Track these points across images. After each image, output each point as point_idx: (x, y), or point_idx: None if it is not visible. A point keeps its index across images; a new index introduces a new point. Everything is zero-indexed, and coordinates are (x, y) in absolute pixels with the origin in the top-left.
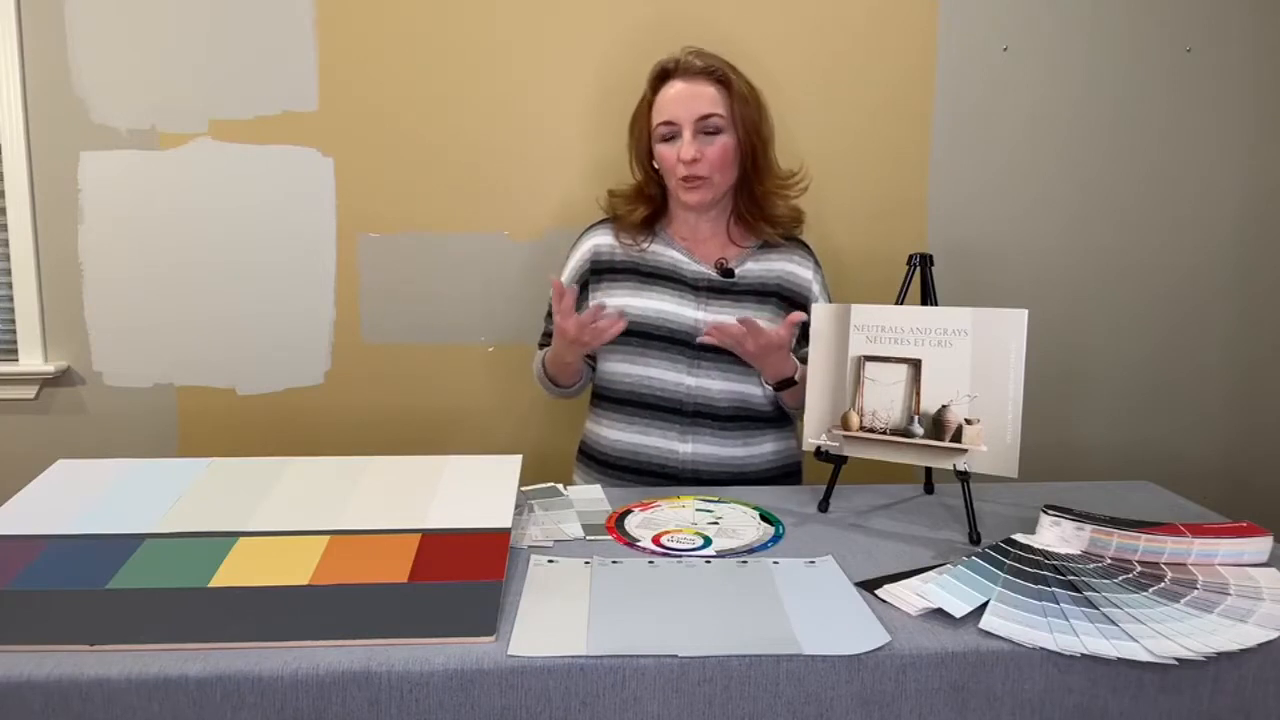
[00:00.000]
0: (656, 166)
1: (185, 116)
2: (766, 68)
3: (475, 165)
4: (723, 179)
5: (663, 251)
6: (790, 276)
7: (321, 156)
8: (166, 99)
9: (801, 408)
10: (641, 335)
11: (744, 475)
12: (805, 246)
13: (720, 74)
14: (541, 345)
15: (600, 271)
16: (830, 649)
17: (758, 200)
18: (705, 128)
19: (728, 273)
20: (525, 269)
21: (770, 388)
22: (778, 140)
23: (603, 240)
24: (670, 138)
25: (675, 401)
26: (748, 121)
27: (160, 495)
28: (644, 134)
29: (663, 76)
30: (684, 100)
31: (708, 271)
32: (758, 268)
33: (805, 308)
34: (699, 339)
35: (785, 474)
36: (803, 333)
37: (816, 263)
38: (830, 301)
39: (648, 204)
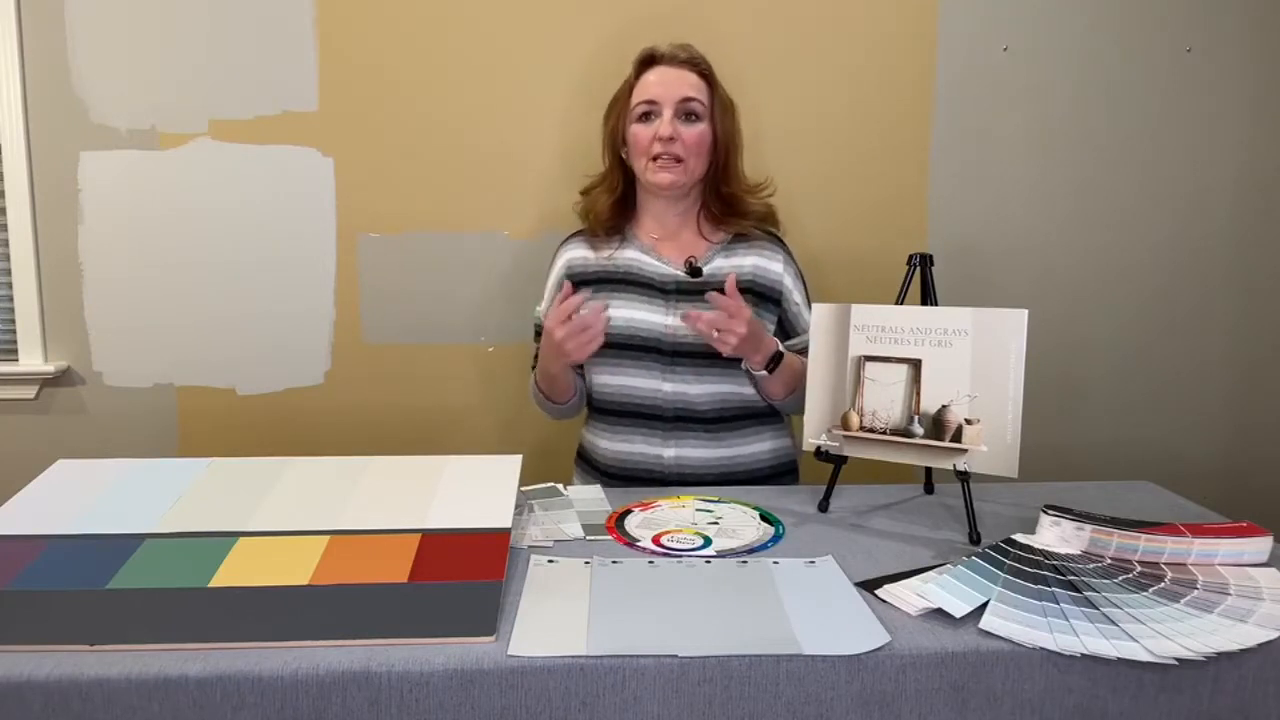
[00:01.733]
0: (624, 156)
1: (185, 116)
2: (766, 68)
3: (475, 165)
4: (695, 165)
5: (631, 257)
6: (761, 272)
7: (321, 156)
8: (166, 99)
9: (790, 398)
10: (615, 345)
11: (733, 475)
12: (777, 239)
13: (705, 68)
14: (533, 369)
15: (575, 285)
16: (830, 649)
17: (725, 200)
18: (685, 110)
19: (695, 271)
20: (525, 269)
21: (761, 374)
22: (774, 144)
23: (575, 254)
24: (648, 117)
25: (654, 407)
26: (725, 123)
27: (160, 495)
28: (620, 116)
29: (648, 61)
30: (668, 82)
31: (676, 273)
32: (727, 264)
33: (779, 302)
34: (691, 325)
35: (779, 473)
36: (779, 327)
37: (788, 254)
38: (805, 291)
39: (611, 193)
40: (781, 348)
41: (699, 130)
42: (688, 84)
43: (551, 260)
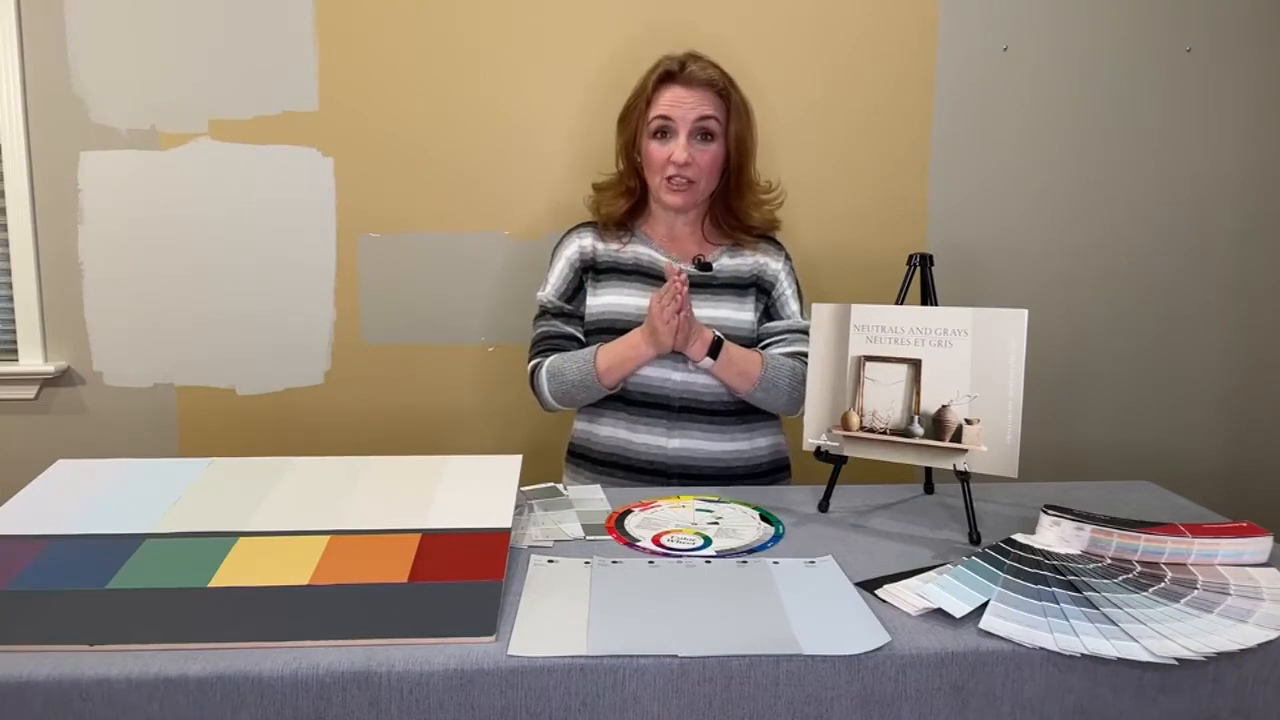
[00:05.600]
0: (639, 160)
1: (185, 116)
2: (767, 69)
3: (475, 165)
4: (707, 185)
5: (641, 250)
6: (763, 267)
7: (321, 156)
8: (166, 99)
9: (761, 393)
10: (626, 333)
11: (732, 470)
12: (775, 242)
13: (721, 87)
14: (540, 352)
15: (586, 269)
16: (830, 649)
17: (734, 212)
18: (701, 130)
19: (705, 266)
20: (525, 269)
21: (707, 363)
22: (776, 144)
23: (585, 242)
24: (664, 134)
25: (662, 396)
26: (738, 134)
27: (160, 495)
28: (638, 125)
29: (666, 78)
30: (684, 102)
31: (686, 267)
32: (733, 262)
33: (770, 291)
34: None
35: (776, 469)
36: (766, 311)
37: (786, 255)
38: (799, 290)
39: (628, 197)
40: (719, 334)
41: (712, 151)
42: (704, 103)
43: (556, 248)
